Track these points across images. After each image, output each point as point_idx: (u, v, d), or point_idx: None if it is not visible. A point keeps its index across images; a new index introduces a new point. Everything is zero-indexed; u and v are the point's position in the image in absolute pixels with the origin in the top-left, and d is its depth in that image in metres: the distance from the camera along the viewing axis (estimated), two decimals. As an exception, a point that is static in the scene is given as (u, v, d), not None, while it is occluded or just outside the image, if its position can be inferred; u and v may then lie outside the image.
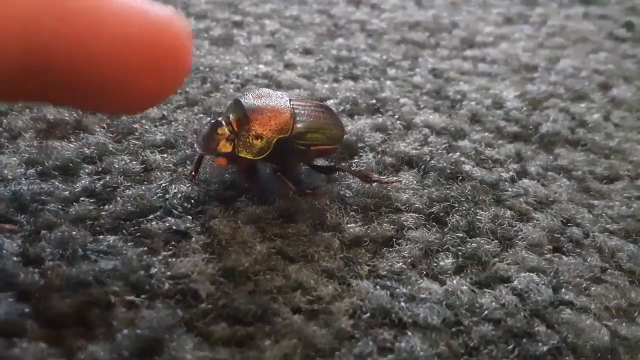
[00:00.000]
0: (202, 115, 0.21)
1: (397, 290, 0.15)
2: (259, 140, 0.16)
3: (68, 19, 0.12)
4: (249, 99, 0.17)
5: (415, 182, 0.19)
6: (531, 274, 0.16)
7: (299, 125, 0.17)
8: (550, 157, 0.21)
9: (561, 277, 0.16)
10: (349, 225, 0.17)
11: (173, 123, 0.21)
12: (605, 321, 0.15)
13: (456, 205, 0.18)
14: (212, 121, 0.16)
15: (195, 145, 0.17)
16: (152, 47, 0.12)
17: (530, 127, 0.23)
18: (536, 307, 0.15)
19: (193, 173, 0.17)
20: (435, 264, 0.16)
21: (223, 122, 0.16)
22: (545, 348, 0.14)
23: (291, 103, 0.17)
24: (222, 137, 0.16)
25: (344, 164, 0.19)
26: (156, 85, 0.13)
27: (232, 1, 0.31)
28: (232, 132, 0.16)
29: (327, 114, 0.18)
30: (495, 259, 0.16)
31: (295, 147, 0.17)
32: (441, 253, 0.16)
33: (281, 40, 0.28)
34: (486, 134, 0.22)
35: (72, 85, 0.13)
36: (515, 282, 0.15)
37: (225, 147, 0.16)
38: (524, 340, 0.14)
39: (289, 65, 0.26)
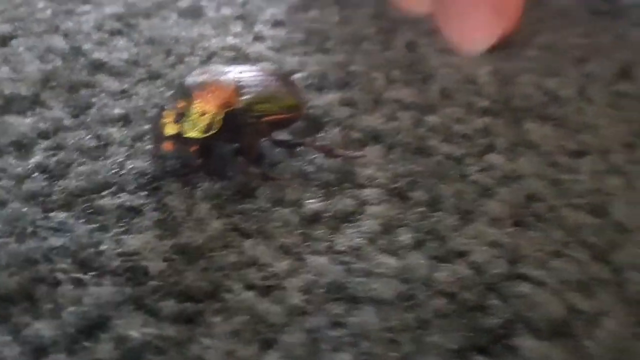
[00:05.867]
0: (163, 88, 0.21)
1: (354, 265, 0.15)
2: (204, 117, 0.16)
3: None
4: (192, 78, 0.16)
5: (380, 157, 0.19)
6: (490, 248, 0.15)
7: (245, 97, 0.16)
8: (520, 132, 0.21)
9: (520, 251, 0.16)
10: (309, 201, 0.16)
11: (133, 97, 0.20)
12: (563, 295, 0.15)
13: (420, 180, 0.18)
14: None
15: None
16: None
17: (502, 102, 0.22)
18: (492, 280, 0.15)
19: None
20: (394, 239, 0.16)
21: (166, 107, 0.16)
22: (497, 321, 0.13)
23: (237, 75, 0.17)
24: (168, 121, 0.16)
25: (307, 139, 0.19)
26: None
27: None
28: (178, 114, 0.16)
29: (279, 83, 0.18)
30: (455, 234, 0.16)
31: (245, 121, 0.16)
32: (402, 228, 0.16)
33: (252, 11, 0.27)
34: (456, 109, 0.22)
35: None
36: (473, 256, 0.15)
37: (172, 129, 0.15)
38: (477, 313, 0.14)
39: (258, 38, 0.25)
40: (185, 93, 0.16)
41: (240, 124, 0.16)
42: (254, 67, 0.19)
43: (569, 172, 0.19)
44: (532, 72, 0.25)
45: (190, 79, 0.16)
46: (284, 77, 0.19)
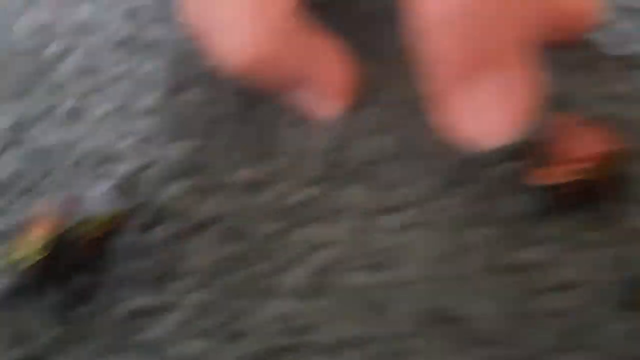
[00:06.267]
0: (36, 202, 0.24)
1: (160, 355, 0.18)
2: (36, 242, 0.19)
3: None
4: (30, 207, 0.20)
5: (206, 244, 0.22)
6: (279, 323, 0.19)
7: (75, 219, 0.20)
8: (342, 197, 0.24)
9: (309, 321, 0.19)
10: (129, 300, 0.20)
11: (10, 213, 0.24)
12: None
13: (239, 263, 0.21)
14: None
15: None
16: None
17: (331, 169, 0.25)
18: (276, 354, 0.18)
19: None
20: (203, 325, 0.19)
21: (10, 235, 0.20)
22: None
23: (73, 196, 0.20)
24: (10, 248, 0.19)
25: (143, 235, 0.22)
26: None
27: (90, 67, 0.33)
28: (17, 242, 0.19)
29: (113, 194, 0.21)
30: (247, 315, 0.19)
31: (75, 240, 0.20)
32: (212, 313, 0.20)
33: (128, 102, 0.30)
34: (287, 182, 0.25)
35: None
36: (261, 333, 0.19)
37: (13, 255, 0.19)
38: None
39: (128, 133, 0.28)
40: (23, 223, 0.20)
41: (70, 245, 0.20)
42: (96, 182, 0.23)
43: (377, 231, 0.23)
44: (368, 133, 0.28)
45: (27, 210, 0.20)
46: (126, 184, 0.22)
